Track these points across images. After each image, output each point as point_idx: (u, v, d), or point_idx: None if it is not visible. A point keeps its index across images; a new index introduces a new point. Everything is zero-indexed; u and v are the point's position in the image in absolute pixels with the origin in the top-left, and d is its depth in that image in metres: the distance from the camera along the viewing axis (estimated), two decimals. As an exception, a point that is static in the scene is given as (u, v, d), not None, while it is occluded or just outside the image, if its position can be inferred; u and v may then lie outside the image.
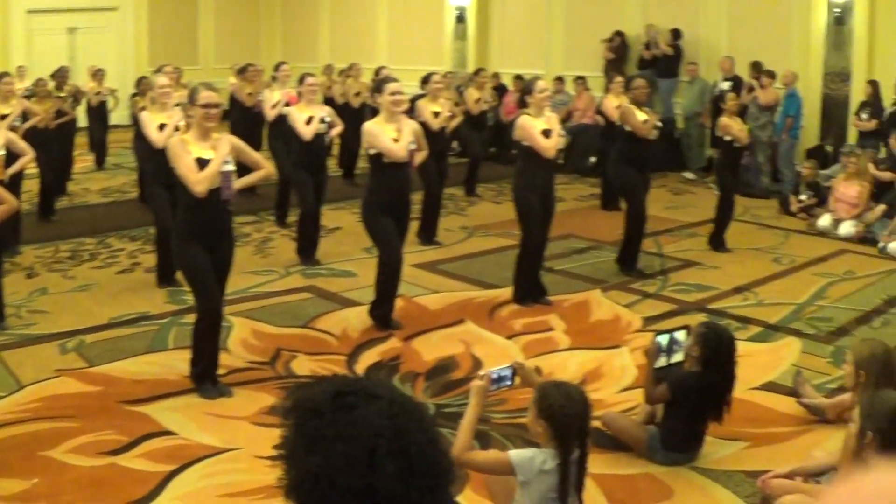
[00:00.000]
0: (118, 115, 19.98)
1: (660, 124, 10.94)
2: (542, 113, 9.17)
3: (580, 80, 19.16)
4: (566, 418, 4.46)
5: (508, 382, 4.77)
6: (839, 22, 16.40)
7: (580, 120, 18.29)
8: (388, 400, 2.18)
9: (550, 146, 8.97)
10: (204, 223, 6.96)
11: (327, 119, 11.03)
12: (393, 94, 8.34)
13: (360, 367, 7.73)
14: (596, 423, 6.26)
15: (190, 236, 6.95)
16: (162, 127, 9.74)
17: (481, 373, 4.84)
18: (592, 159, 17.18)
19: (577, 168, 17.34)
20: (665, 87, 18.41)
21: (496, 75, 20.75)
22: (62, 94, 15.44)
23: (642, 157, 10.46)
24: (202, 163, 6.96)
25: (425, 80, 12.27)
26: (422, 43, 23.76)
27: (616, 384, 7.47)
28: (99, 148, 18.38)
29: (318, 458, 2.10)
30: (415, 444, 2.12)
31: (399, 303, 8.97)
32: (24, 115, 12.42)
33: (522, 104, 11.18)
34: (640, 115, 10.35)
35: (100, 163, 18.34)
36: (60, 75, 16.28)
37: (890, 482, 1.37)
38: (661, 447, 6.11)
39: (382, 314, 8.59)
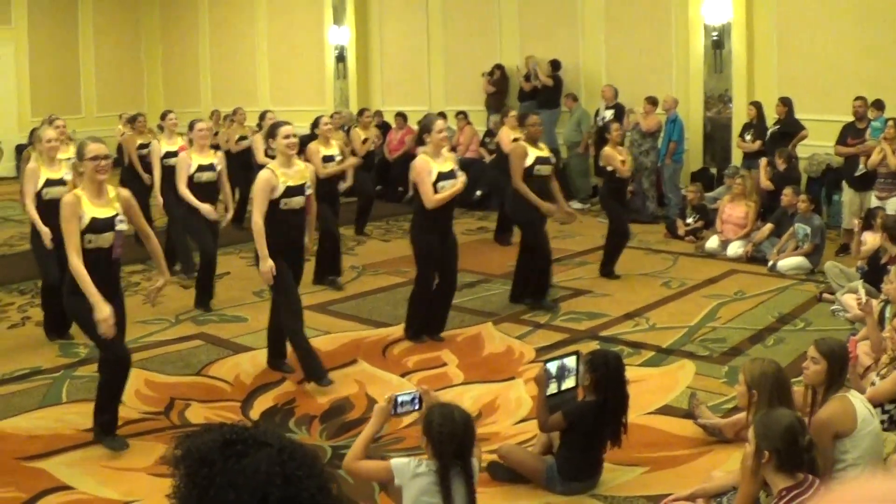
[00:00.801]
0: (4, 167, 19.77)
1: (554, 159, 11.15)
2: (440, 153, 9.26)
3: (462, 114, 19.37)
4: (443, 436, 4.79)
5: (414, 407, 5.07)
6: (717, 45, 16.84)
7: (464, 154, 18.40)
8: (277, 447, 2.21)
9: (437, 198, 9.04)
10: (97, 280, 6.79)
11: (218, 166, 11.07)
12: (287, 136, 8.33)
13: (255, 412, 7.75)
14: (492, 457, 6.43)
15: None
16: (49, 183, 9.43)
17: (387, 395, 5.15)
18: (478, 193, 17.35)
19: (463, 201, 17.47)
20: (546, 118, 18.64)
21: (378, 113, 20.89)
22: None
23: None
24: (97, 223, 6.90)
25: (315, 125, 12.29)
26: (303, 84, 23.88)
27: (512, 416, 7.58)
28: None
29: None
30: (305, 491, 2.16)
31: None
32: None
33: (420, 142, 11.23)
34: (535, 151, 10.47)
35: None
36: None
37: (874, 489, 1.39)
38: (560, 477, 6.19)
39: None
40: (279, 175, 8.21)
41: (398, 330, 9.67)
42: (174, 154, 12.27)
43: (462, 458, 4.85)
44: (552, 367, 6.31)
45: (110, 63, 27.60)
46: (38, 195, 9.36)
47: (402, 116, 19.74)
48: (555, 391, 6.30)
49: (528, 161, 10.39)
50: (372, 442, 5.18)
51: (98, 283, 6.79)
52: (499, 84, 19.78)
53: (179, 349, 9.36)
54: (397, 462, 4.93)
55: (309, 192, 8.43)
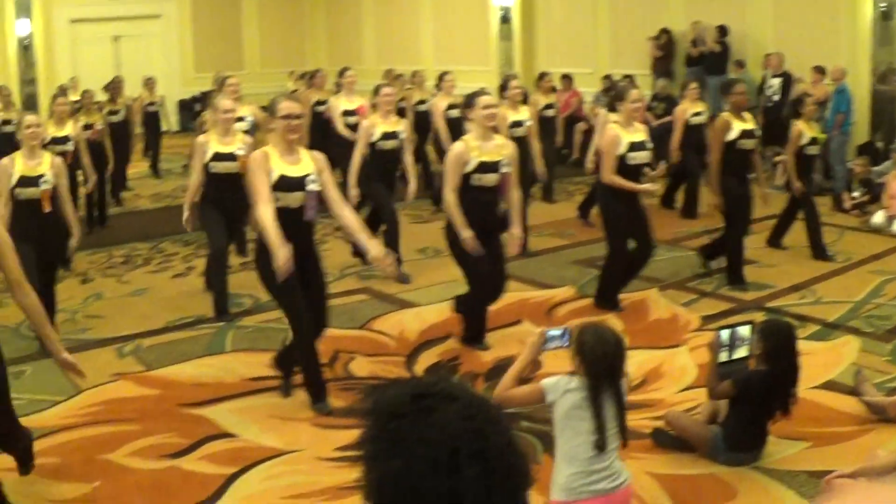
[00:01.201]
0: (167, 121, 20.11)
1: (759, 132, 10.52)
2: (632, 123, 8.89)
3: (628, 78, 18.95)
4: (596, 356, 4.79)
5: (564, 343, 5.04)
6: (885, 17, 16.18)
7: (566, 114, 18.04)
8: (465, 401, 2.15)
9: (616, 181, 8.66)
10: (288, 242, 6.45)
11: (402, 135, 10.57)
12: (486, 107, 7.80)
13: (420, 367, 7.71)
14: (659, 423, 6.24)
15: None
16: (218, 157, 9.11)
17: (537, 330, 5.18)
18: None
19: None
20: (713, 84, 18.22)
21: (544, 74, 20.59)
22: (117, 107, 15.37)
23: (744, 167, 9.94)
24: (287, 181, 6.65)
25: (503, 87, 11.78)
26: (467, 44, 23.59)
27: (676, 384, 7.37)
28: (153, 155, 18.42)
29: (400, 462, 2.06)
30: (494, 447, 2.08)
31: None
32: (86, 126, 12.51)
33: (612, 109, 10.52)
34: (739, 124, 9.74)
35: (154, 170, 18.36)
36: (114, 86, 16.22)
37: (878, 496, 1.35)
38: (724, 447, 6.05)
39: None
40: (473, 148, 7.75)
41: (563, 292, 9.49)
42: (353, 113, 12.17)
43: (612, 379, 4.85)
44: (725, 334, 6.09)
45: (273, 19, 27.84)
46: (206, 168, 9.18)
47: (567, 78, 19.42)
48: (726, 359, 6.08)
49: (732, 135, 9.66)
50: (522, 375, 5.14)
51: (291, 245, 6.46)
52: (665, 48, 19.39)
53: (344, 303, 9.32)
54: (548, 381, 4.93)
55: (506, 170, 7.87)
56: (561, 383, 4.86)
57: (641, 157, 8.77)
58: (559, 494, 4.79)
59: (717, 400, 6.23)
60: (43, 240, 8.05)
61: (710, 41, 18.46)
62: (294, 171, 6.69)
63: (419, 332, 8.52)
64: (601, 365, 4.80)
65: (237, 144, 9.16)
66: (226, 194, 8.98)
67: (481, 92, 8.12)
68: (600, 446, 4.72)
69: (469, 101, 8.00)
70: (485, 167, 7.72)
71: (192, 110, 25.94)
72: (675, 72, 18.81)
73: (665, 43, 19.36)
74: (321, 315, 6.96)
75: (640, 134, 8.89)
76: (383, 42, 26.16)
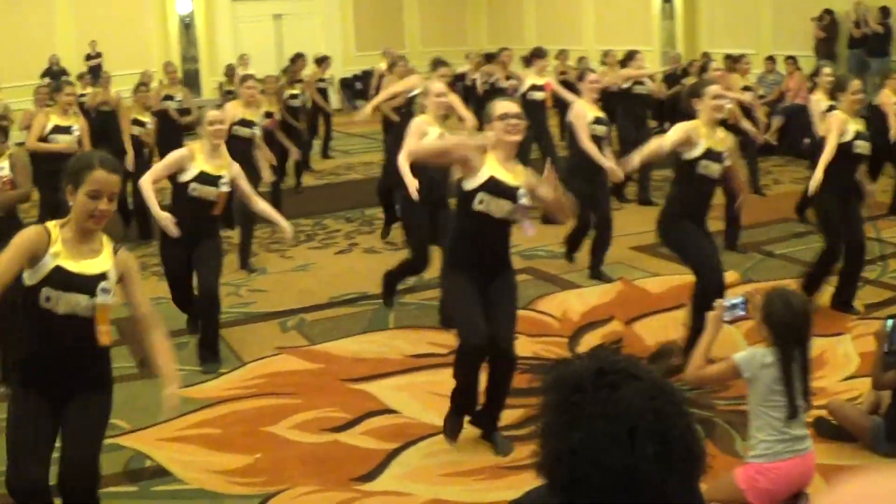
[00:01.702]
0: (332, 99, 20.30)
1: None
2: (855, 114, 8.33)
3: (791, 59, 18.50)
4: (784, 325, 4.76)
5: (742, 312, 5.04)
6: None
7: (793, 100, 17.63)
8: (648, 382, 2.13)
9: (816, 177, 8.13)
10: (479, 253, 5.98)
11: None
12: (716, 97, 7.32)
13: (582, 349, 7.57)
14: (821, 412, 6.04)
15: (462, 265, 6.01)
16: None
17: (717, 302, 5.13)
18: (806, 140, 16.51)
19: (793, 149, 16.64)
20: (876, 66, 17.63)
21: (705, 54, 20.20)
22: (295, 91, 15.42)
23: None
24: (499, 187, 5.86)
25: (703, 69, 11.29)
26: (628, 23, 23.27)
27: (839, 372, 7.13)
28: (324, 134, 18.45)
29: (580, 435, 2.06)
30: (674, 428, 2.07)
31: (619, 286, 8.81)
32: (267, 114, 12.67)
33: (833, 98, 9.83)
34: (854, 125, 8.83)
35: (325, 149, 18.44)
36: (295, 69, 16.26)
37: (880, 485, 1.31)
38: (886, 438, 5.84)
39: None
40: (703, 135, 7.23)
41: (727, 276, 9.16)
42: (540, 88, 12.13)
43: (801, 345, 4.83)
44: (891, 323, 5.81)
45: (434, -2, 27.91)
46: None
47: (730, 59, 19.00)
48: (891, 349, 5.80)
49: (848, 136, 8.52)
50: (709, 351, 5.06)
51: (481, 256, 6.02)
52: (828, 29, 18.86)
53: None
54: (741, 356, 4.89)
55: (727, 162, 7.42)
56: (756, 358, 4.81)
57: (864, 147, 8.25)
58: (758, 458, 4.82)
59: (881, 390, 6.01)
60: (200, 241, 7.64)
61: (872, 22, 17.89)
62: (510, 179, 5.93)
63: (582, 314, 8.41)
64: (791, 331, 4.76)
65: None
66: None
67: (710, 81, 7.86)
68: (792, 414, 4.73)
69: (696, 90, 7.52)
70: (711, 155, 7.24)
71: (353, 89, 26.17)
72: (838, 53, 18.27)
73: (828, 24, 18.84)
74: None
75: (859, 124, 8.31)
76: (544, 21, 25.95)
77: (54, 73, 22.78)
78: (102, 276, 4.49)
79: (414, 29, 27.67)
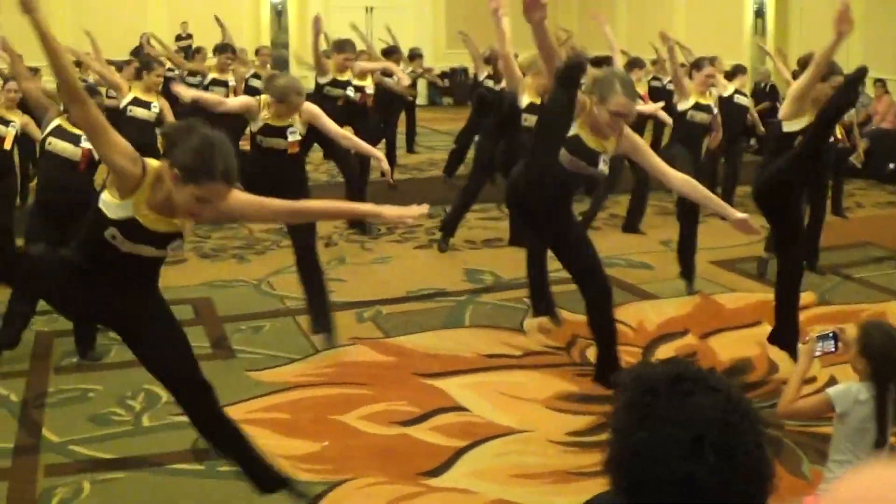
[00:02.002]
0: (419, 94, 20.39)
1: None
2: None
3: (880, 82, 18.23)
4: (883, 357, 4.59)
5: (831, 347, 4.86)
6: None
7: (879, 124, 17.40)
8: (725, 395, 2.14)
9: None
10: None
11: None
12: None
13: (655, 360, 7.49)
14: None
15: None
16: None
17: (806, 337, 5.06)
18: (892, 166, 16.30)
19: (876, 173, 16.40)
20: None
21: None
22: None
23: None
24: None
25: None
26: (719, 37, 22.77)
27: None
28: (409, 129, 18.53)
29: (645, 435, 2.09)
30: (742, 444, 2.07)
31: (696, 299, 8.79)
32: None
33: None
34: None
35: (409, 143, 18.51)
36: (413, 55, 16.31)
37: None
38: None
39: None
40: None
41: (805, 297, 9.04)
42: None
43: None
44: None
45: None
46: None
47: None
48: None
49: None
50: (803, 384, 4.93)
51: None
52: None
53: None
54: (835, 391, 4.73)
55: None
56: (851, 393, 4.67)
57: None
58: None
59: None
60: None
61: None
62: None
63: (657, 325, 8.34)
64: (890, 365, 4.61)
65: None
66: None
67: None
68: (880, 445, 4.59)
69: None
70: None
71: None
72: None
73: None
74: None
75: None
76: (634, 30, 25.62)
77: (144, 53, 23.15)
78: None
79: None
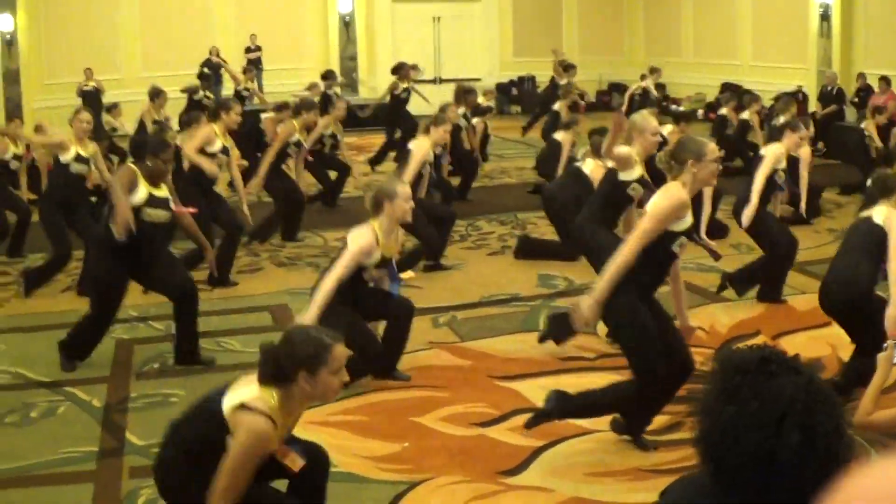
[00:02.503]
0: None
1: None
2: None
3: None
4: None
5: None
6: None
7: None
8: (807, 378, 2.30)
9: None
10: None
11: None
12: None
13: (728, 362, 7.54)
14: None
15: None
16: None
17: (885, 344, 4.99)
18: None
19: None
20: None
21: (861, 75, 19.78)
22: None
23: None
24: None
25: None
26: (785, 40, 22.85)
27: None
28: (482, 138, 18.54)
29: (732, 410, 2.27)
30: (822, 426, 2.22)
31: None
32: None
33: None
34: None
35: (481, 151, 18.47)
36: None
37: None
38: None
39: None
40: None
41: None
42: None
43: None
44: None
45: (592, 7, 27.96)
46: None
47: (885, 80, 18.65)
48: None
49: None
50: (881, 392, 4.89)
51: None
52: None
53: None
54: None
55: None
56: None
57: None
58: None
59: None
60: None
61: None
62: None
63: (729, 327, 8.41)
64: None
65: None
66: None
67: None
68: None
69: None
70: None
71: (509, 94, 26.36)
72: None
73: None
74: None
75: None
76: (700, 35, 25.77)
77: (213, 65, 23.42)
78: None
79: (572, 36, 27.71)
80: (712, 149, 5.87)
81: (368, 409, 6.68)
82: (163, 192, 7.50)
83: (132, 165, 7.59)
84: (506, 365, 7.47)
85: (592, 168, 9.63)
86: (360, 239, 6.82)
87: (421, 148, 10.07)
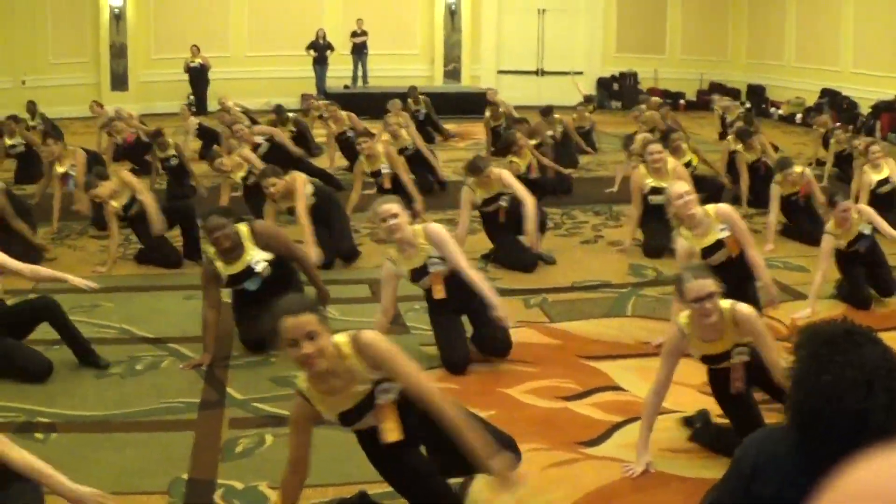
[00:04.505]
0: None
1: None
2: None
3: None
4: None
5: None
6: None
7: None
8: (883, 347, 2.71)
9: None
10: None
11: None
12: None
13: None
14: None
15: None
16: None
17: None
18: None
19: None
20: None
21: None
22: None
23: None
24: None
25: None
26: (888, 46, 22.57)
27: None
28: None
29: (828, 378, 2.61)
30: None
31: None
32: None
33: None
34: None
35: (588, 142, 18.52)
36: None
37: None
38: None
39: None
40: None
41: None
42: None
43: None
44: None
45: (696, 7, 27.97)
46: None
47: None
48: None
49: None
50: None
51: None
52: None
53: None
54: None
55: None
56: None
57: None
58: None
59: None
60: None
61: None
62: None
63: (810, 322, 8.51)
64: None
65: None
66: None
67: None
68: None
69: None
70: None
71: (610, 89, 26.52)
72: None
73: None
74: None
75: None
76: (803, 38, 25.64)
77: (319, 47, 23.83)
78: (370, 395, 4.54)
79: (675, 35, 27.75)
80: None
81: (462, 379, 6.99)
82: None
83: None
84: (592, 345, 7.75)
85: None
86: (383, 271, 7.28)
87: None
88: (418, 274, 7.21)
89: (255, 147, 13.55)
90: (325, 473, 5.41)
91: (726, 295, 5.67)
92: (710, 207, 7.88)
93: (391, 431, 4.53)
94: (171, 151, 13.65)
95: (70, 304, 7.95)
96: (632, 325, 8.30)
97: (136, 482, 5.49)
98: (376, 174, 11.65)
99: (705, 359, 5.76)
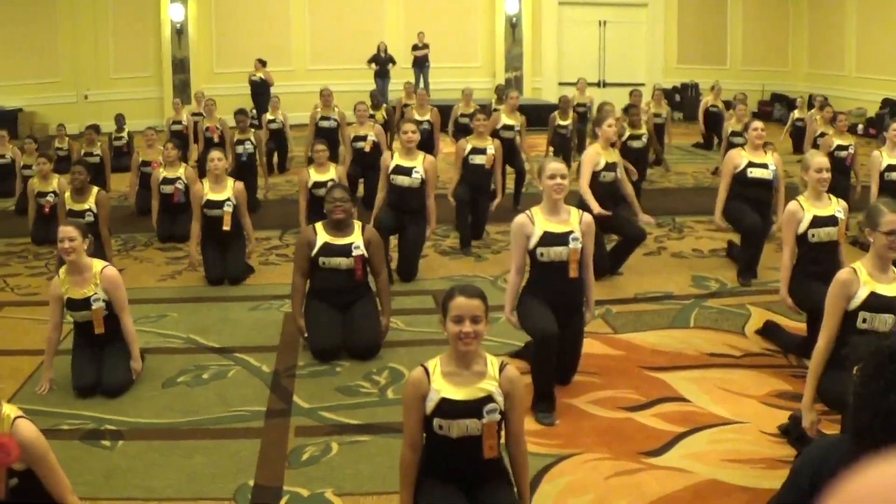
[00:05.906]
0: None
1: None
2: None
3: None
4: None
5: None
6: None
7: None
8: None
9: None
10: None
11: None
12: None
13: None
14: None
15: None
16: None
17: None
18: None
19: None
20: None
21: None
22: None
23: None
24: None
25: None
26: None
27: None
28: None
29: (895, 397, 2.57)
30: None
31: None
32: None
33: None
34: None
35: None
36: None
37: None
38: None
39: None
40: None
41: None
42: None
43: None
44: None
45: (757, 18, 27.83)
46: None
47: None
48: None
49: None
50: None
51: None
52: None
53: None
54: None
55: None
56: None
57: None
58: None
59: None
60: None
61: None
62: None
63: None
64: None
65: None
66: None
67: None
68: None
69: None
70: None
71: (672, 100, 26.44)
72: None
73: None
74: None
75: None
76: (864, 47, 25.45)
77: (381, 60, 23.99)
78: (488, 399, 4.62)
79: (736, 46, 27.65)
80: (887, 220, 5.70)
81: (528, 389, 6.95)
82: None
83: None
84: (655, 357, 7.76)
85: None
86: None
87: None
88: (555, 240, 6.89)
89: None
90: (387, 482, 5.47)
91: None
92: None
93: (490, 449, 4.65)
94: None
95: (137, 314, 8.08)
96: (694, 336, 8.28)
97: (204, 488, 5.58)
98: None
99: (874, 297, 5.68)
